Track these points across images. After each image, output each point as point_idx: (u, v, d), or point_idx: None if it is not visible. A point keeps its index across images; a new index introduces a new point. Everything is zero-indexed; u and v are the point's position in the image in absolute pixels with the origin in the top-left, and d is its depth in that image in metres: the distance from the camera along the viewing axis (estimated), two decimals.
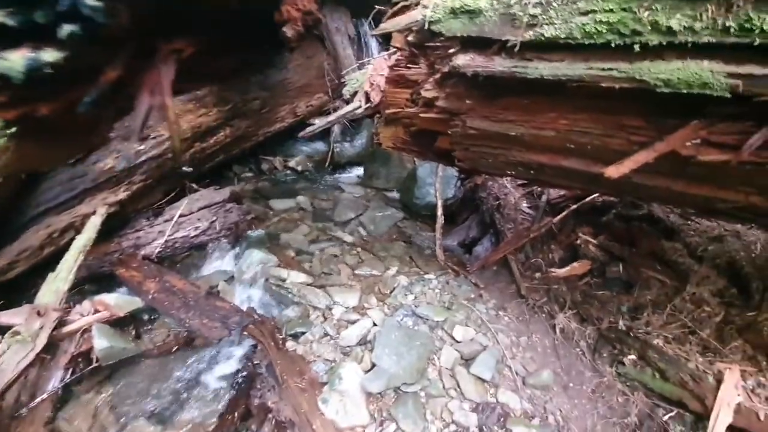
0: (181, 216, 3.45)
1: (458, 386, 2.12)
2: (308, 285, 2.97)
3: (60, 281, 2.56)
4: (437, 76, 2.24)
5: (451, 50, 1.87)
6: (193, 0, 1.40)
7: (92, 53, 1.13)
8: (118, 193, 3.17)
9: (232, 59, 2.05)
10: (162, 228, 3.38)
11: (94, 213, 2.93)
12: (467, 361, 2.27)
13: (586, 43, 1.33)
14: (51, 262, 2.82)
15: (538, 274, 2.93)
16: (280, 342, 2.43)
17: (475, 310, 2.67)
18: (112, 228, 3.25)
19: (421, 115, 2.42)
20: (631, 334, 2.36)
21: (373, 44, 5.69)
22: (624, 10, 1.24)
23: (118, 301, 2.76)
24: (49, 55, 1.05)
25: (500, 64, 1.56)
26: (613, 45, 1.29)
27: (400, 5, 2.70)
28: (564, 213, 3.01)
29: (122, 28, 1.03)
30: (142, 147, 3.35)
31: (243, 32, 1.82)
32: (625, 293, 2.61)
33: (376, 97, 3.67)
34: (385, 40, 5.80)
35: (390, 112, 3.00)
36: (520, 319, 2.65)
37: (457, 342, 2.36)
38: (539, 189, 3.40)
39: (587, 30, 1.31)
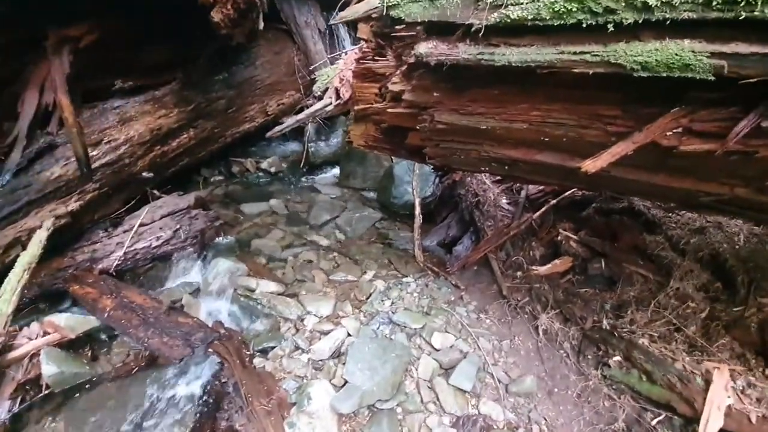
0: (141, 225, 3.22)
1: (437, 399, 1.99)
2: (279, 294, 2.80)
3: (3, 303, 2.33)
4: (404, 67, 2.09)
5: (416, 38, 1.72)
6: None
7: None
8: (68, 204, 2.93)
9: (159, 52, 1.86)
10: (121, 239, 3.15)
11: (40, 226, 2.69)
12: (446, 370, 2.14)
13: (556, 24, 1.19)
14: None
15: (519, 273, 2.82)
16: (247, 359, 2.25)
17: (455, 313, 2.54)
18: (66, 241, 3.02)
19: (389, 110, 2.27)
20: (615, 333, 2.26)
21: (346, 38, 5.50)
22: None
23: (69, 322, 2.54)
24: None
25: (465, 51, 1.41)
26: (584, 25, 1.15)
27: None
28: (544, 208, 2.91)
29: None
30: (94, 153, 3.12)
31: (166, 21, 1.64)
32: (608, 290, 2.52)
33: (346, 93, 3.50)
34: (330, 23, 5.60)
35: (359, 108, 2.83)
36: (502, 321, 2.54)
37: (436, 350, 2.23)
38: (518, 185, 3.29)
39: (556, 9, 1.17)
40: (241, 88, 4.31)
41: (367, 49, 2.66)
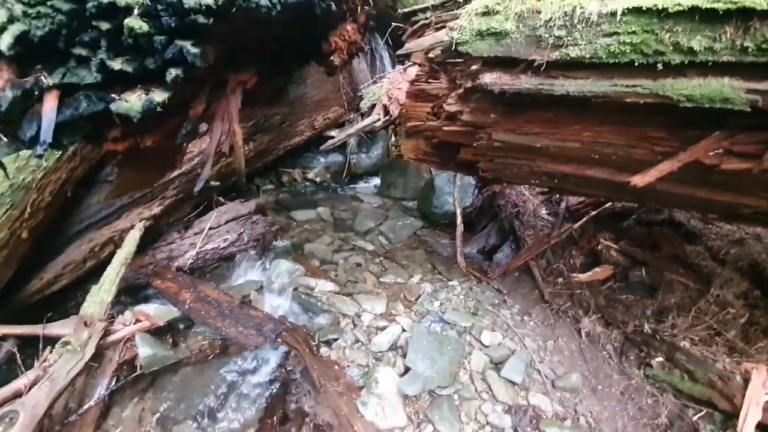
0: (210, 228, 3.59)
1: (490, 389, 2.19)
2: (336, 293, 3.07)
3: (104, 293, 2.70)
4: (460, 91, 2.35)
5: (473, 67, 1.98)
6: (259, 38, 1.53)
7: (185, 91, 1.27)
8: (152, 208, 3.33)
9: (278, 82, 2.20)
10: (193, 240, 3.52)
11: (132, 227, 3.09)
12: (497, 365, 2.34)
13: (611, 62, 1.43)
14: (91, 276, 2.98)
15: (560, 280, 2.99)
16: (314, 348, 2.52)
17: (501, 315, 2.74)
18: (145, 242, 3.40)
19: (445, 128, 2.53)
20: (657, 336, 2.41)
21: (386, 58, 5.84)
22: (646, 31, 1.34)
23: (156, 312, 2.89)
24: (159, 96, 1.20)
25: (526, 82, 1.66)
26: (636, 64, 1.38)
27: (419, 24, 2.84)
28: (584, 219, 3.08)
29: (208, 67, 1.17)
30: None
31: (291, 56, 1.96)
32: (648, 297, 2.66)
33: (395, 111, 3.81)
34: (398, 54, 5.96)
35: (411, 125, 3.11)
36: (545, 323, 2.71)
37: (486, 347, 2.43)
38: (558, 196, 3.47)
39: (612, 50, 1.40)
40: (293, 104, 4.70)
41: (420, 73, 2.96)
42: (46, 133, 1.16)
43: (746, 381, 1.94)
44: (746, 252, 2.45)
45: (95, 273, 2.91)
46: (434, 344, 2.31)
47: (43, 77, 1.17)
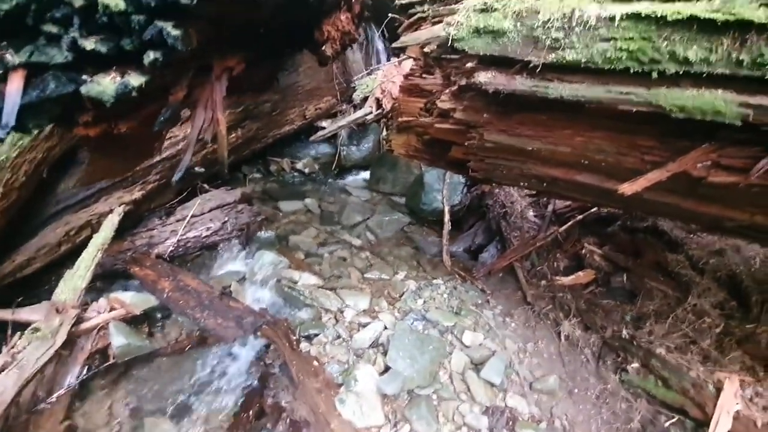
0: (193, 216, 3.50)
1: (468, 390, 2.19)
2: (319, 287, 3.04)
3: (78, 279, 2.61)
4: (454, 88, 2.31)
5: (469, 64, 1.95)
6: (248, 23, 1.47)
7: (165, 75, 1.20)
8: (133, 192, 3.23)
9: (267, 69, 2.12)
10: (174, 227, 3.43)
11: (110, 211, 2.99)
12: (477, 365, 2.34)
13: (606, 68, 1.41)
14: (66, 260, 2.88)
15: (543, 282, 3.01)
16: (294, 343, 2.49)
17: (483, 315, 2.75)
18: (125, 227, 3.30)
19: (437, 125, 2.50)
20: (634, 342, 2.44)
21: (381, 48, 5.76)
22: (644, 39, 1.32)
23: (133, 299, 2.81)
24: (135, 80, 1.12)
25: (521, 83, 1.63)
26: (632, 71, 1.36)
27: (416, 17, 2.79)
28: (570, 223, 3.10)
29: (191, 51, 1.10)
30: None
31: (280, 44, 1.89)
32: (628, 303, 2.70)
33: (387, 104, 3.75)
34: (393, 41, 5.88)
35: (403, 120, 3.07)
36: (526, 325, 2.73)
37: (467, 347, 2.44)
38: (546, 199, 3.49)
39: (608, 56, 1.38)
40: (285, 92, 4.60)
41: (415, 67, 2.91)
42: (10, 116, 1.09)
43: (718, 390, 1.98)
44: (725, 262, 2.50)
45: (71, 257, 2.81)
46: (416, 343, 2.30)
47: (8, 55, 1.09)
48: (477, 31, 1.71)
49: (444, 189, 4.13)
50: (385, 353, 2.31)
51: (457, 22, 1.81)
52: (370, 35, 5.75)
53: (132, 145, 1.61)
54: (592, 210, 3.08)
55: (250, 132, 4.27)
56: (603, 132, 1.67)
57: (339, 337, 2.55)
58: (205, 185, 3.86)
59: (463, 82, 2.13)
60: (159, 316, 2.94)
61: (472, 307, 2.84)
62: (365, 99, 4.41)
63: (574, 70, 1.51)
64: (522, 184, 2.17)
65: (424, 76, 2.84)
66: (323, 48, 2.02)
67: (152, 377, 2.58)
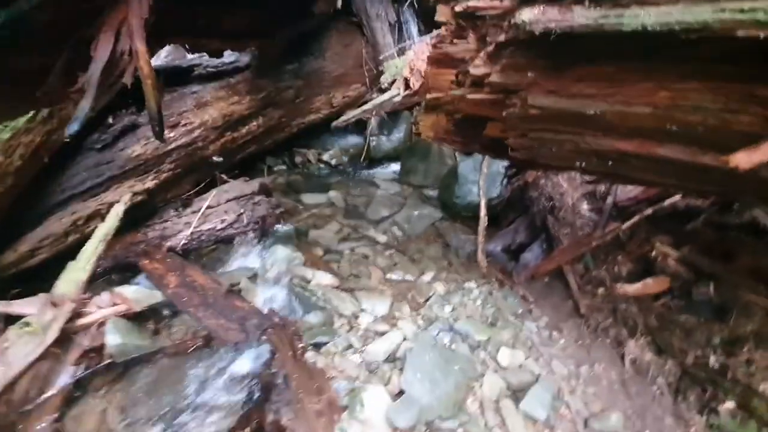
0: (208, 207, 3.31)
1: (504, 424, 1.75)
2: (335, 288, 2.70)
3: (79, 271, 2.46)
4: (490, 48, 1.88)
5: (510, 9, 1.51)
6: None
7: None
8: (145, 182, 3.07)
9: (241, 17, 1.84)
10: (189, 219, 3.25)
11: (119, 201, 2.83)
12: (515, 393, 1.89)
13: None
14: (75, 251, 2.75)
15: (600, 290, 2.47)
16: (299, 352, 2.16)
17: (524, 328, 2.28)
18: (139, 217, 3.17)
19: (469, 96, 2.06)
20: (727, 374, 1.87)
21: (414, 32, 5.34)
22: None
23: (137, 295, 2.63)
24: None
25: (583, 15, 1.18)
26: None
27: None
28: (636, 218, 2.53)
29: None
30: (171, 134, 3.25)
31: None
32: (717, 321, 2.10)
33: (416, 83, 3.36)
34: (428, 25, 5.46)
35: (432, 97, 2.65)
36: (579, 342, 2.22)
37: (503, 368, 1.98)
38: (603, 189, 2.92)
39: None
40: (309, 78, 4.33)
41: (444, 33, 2.49)
42: None
43: None
44: None
45: (80, 248, 2.68)
46: (439, 361, 1.89)
47: None
48: None
49: (480, 180, 3.64)
50: (401, 371, 1.92)
51: None
52: (403, 18, 5.36)
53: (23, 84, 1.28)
54: (665, 203, 2.49)
55: (272, 120, 4.03)
56: (701, 82, 1.17)
57: (351, 346, 2.19)
58: (224, 176, 3.66)
59: (502, 38, 1.69)
60: (166, 312, 2.74)
61: (511, 317, 2.37)
62: (393, 82, 4.04)
63: None
64: (577, 164, 1.68)
65: (454, 41, 2.40)
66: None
67: (151, 380, 2.37)
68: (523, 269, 2.91)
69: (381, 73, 4.52)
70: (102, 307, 2.51)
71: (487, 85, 1.90)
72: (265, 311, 2.56)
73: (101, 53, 1.15)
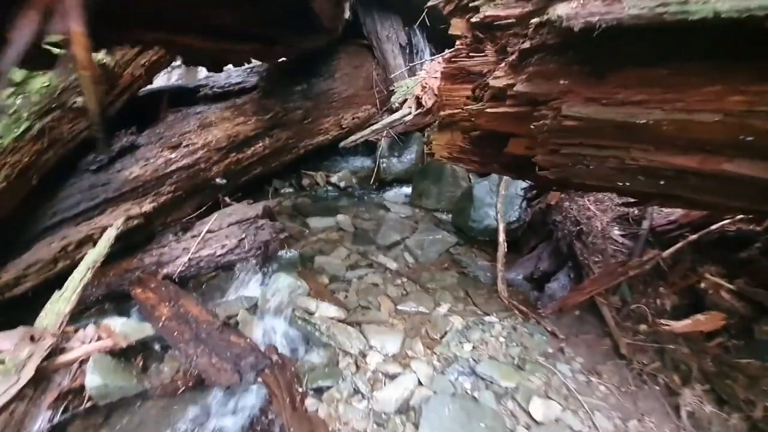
0: (208, 232, 3.11)
1: None
2: (340, 321, 2.45)
3: (62, 302, 2.26)
4: (512, 57, 1.69)
5: (535, 8, 1.33)
6: None
7: None
8: (143, 205, 2.91)
9: (229, 13, 1.68)
10: (188, 245, 3.05)
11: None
12: None
13: None
14: (66, 278, 2.56)
15: (643, 327, 2.17)
16: (299, 398, 1.90)
17: (557, 372, 1.98)
18: (137, 242, 2.99)
19: (489, 110, 1.87)
20: None
21: (426, 53, 5.26)
22: None
23: (124, 328, 2.40)
24: None
25: (634, 5, 0.97)
26: None
27: None
28: (678, 245, 2.26)
29: None
30: (172, 155, 3.11)
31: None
32: None
33: (428, 101, 3.19)
34: (439, 47, 5.38)
35: (446, 114, 2.48)
36: (623, 390, 1.92)
37: (537, 423, 1.68)
38: (636, 212, 2.66)
39: None
40: (318, 99, 4.22)
41: (460, 46, 2.33)
42: None
43: None
44: None
45: (70, 275, 2.50)
46: (460, 416, 1.60)
47: None
48: None
49: (498, 203, 3.42)
50: (415, 426, 1.64)
51: None
52: (415, 40, 5.29)
53: None
54: (713, 227, 2.22)
55: (279, 141, 3.89)
56: None
57: (357, 392, 1.92)
58: (227, 199, 3.50)
59: (526, 44, 1.51)
60: (158, 347, 2.51)
61: (541, 358, 2.08)
62: (404, 102, 3.89)
63: None
64: (619, 184, 1.44)
65: (470, 55, 2.25)
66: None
67: (136, 427, 2.11)
68: (550, 301, 2.62)
69: (392, 93, 4.40)
70: (85, 342, 2.30)
71: (509, 98, 1.71)
72: (263, 347, 2.31)
73: (21, 36, 0.97)
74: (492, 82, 1.82)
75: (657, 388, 1.92)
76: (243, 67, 3.88)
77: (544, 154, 1.57)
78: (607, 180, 1.47)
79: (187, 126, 3.21)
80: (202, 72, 4.68)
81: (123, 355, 2.36)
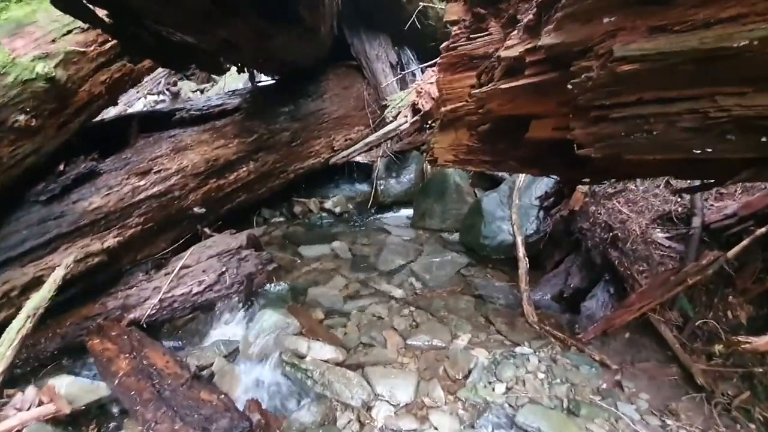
0: (183, 267, 2.71)
1: None
2: (338, 364, 1.99)
3: None
4: (529, 17, 1.38)
5: None
6: None
7: None
8: (105, 240, 2.53)
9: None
10: (160, 284, 2.64)
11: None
12: None
13: None
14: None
15: (718, 347, 1.72)
16: None
17: (621, 415, 1.51)
18: (101, 285, 2.58)
19: (503, 87, 1.53)
20: None
21: (417, 72, 5.07)
22: None
23: (72, 389, 1.97)
24: None
25: None
26: None
27: None
28: (744, 242, 1.85)
29: None
30: (141, 183, 2.76)
31: None
32: None
33: (426, 104, 2.89)
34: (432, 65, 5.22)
35: (448, 109, 2.14)
36: None
37: None
38: (681, 210, 2.27)
39: None
40: (307, 121, 3.94)
41: (458, 31, 2.04)
42: None
43: None
44: None
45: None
46: None
47: None
48: None
49: (512, 213, 3.04)
50: None
51: None
52: (405, 59, 5.12)
53: None
54: None
55: (265, 165, 3.57)
56: None
57: None
58: (207, 230, 3.11)
59: None
60: (116, 410, 2.04)
61: (596, 397, 1.62)
62: (398, 115, 3.61)
63: None
64: (699, 152, 1.06)
65: (471, 37, 1.95)
66: None
67: None
68: (590, 323, 2.18)
69: (385, 108, 4.13)
70: (23, 408, 1.84)
71: (530, 65, 1.37)
72: (243, 404, 1.84)
73: None
74: (504, 53, 1.49)
75: (752, 426, 1.45)
76: (224, 91, 3.64)
77: (585, 126, 1.20)
78: (678, 149, 1.09)
79: (159, 150, 2.89)
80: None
81: (72, 422, 1.91)
